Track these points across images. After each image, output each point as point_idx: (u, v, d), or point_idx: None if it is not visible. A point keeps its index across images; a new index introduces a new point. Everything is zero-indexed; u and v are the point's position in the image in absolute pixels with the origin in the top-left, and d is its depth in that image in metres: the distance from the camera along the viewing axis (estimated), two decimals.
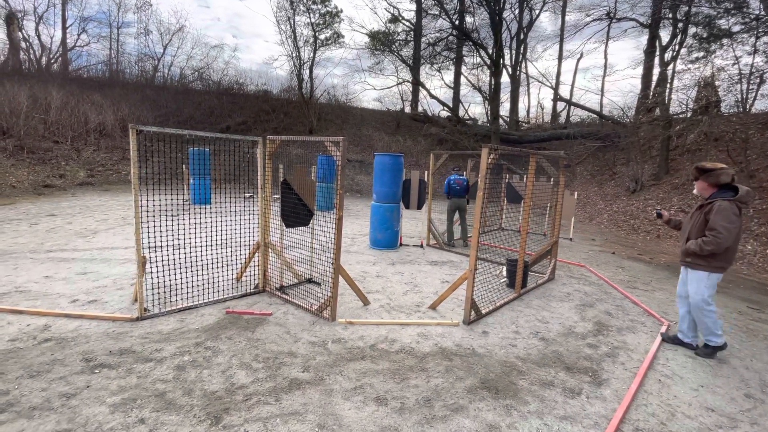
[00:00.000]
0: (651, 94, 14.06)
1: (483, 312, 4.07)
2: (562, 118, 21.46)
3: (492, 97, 19.75)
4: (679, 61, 13.96)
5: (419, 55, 22.16)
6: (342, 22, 21.84)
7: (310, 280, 4.89)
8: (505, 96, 21.88)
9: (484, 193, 3.72)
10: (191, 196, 10.85)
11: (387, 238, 6.98)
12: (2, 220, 7.73)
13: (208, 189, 10.82)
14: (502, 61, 19.30)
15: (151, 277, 4.46)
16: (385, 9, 24.27)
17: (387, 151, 17.82)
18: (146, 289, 3.99)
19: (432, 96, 22.34)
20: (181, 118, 18.67)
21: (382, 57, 22.83)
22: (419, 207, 7.52)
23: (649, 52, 15.38)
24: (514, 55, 20.64)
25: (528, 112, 24.63)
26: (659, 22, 14.67)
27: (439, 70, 23.21)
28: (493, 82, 19.81)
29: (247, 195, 10.60)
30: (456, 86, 23.70)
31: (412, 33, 22.34)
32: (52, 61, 22.07)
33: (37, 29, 21.79)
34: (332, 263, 3.76)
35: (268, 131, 18.65)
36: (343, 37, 21.75)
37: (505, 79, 20.45)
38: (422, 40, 22.17)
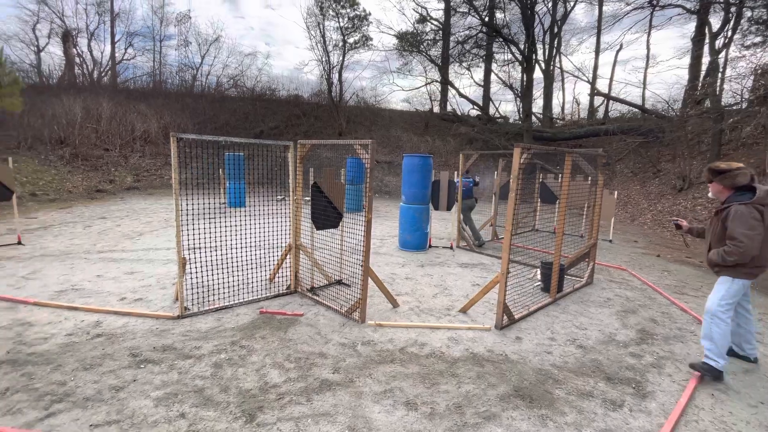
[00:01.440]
0: (700, 84, 13.09)
1: (516, 317, 3.95)
2: (600, 114, 20.44)
3: (524, 94, 19.18)
4: (732, 47, 12.93)
5: (448, 54, 21.88)
6: (370, 24, 22.02)
7: (340, 282, 4.94)
8: (537, 92, 21.15)
9: (517, 194, 3.61)
10: (227, 200, 11.31)
11: (416, 239, 6.94)
12: (61, 222, 8.41)
13: (243, 192, 11.24)
14: (534, 57, 18.68)
15: (191, 277, 4.68)
16: (413, 9, 24.14)
17: (416, 152, 17.78)
18: (186, 289, 4.19)
19: (461, 95, 22.03)
20: (217, 124, 19.53)
21: (410, 58, 22.78)
22: (449, 208, 7.41)
23: (698, 40, 14.33)
24: (547, 50, 19.90)
25: (563, 108, 23.65)
26: (708, 7, 13.63)
27: (468, 69, 22.82)
28: (525, 79, 19.23)
29: (279, 197, 10.91)
30: (486, 84, 23.18)
31: (440, 32, 22.12)
32: (103, 75, 23.76)
33: (89, 45, 23.56)
34: (361, 265, 3.78)
35: (299, 135, 19.10)
36: (371, 39, 21.91)
37: (537, 74, 19.77)
38: (451, 38, 21.88)
